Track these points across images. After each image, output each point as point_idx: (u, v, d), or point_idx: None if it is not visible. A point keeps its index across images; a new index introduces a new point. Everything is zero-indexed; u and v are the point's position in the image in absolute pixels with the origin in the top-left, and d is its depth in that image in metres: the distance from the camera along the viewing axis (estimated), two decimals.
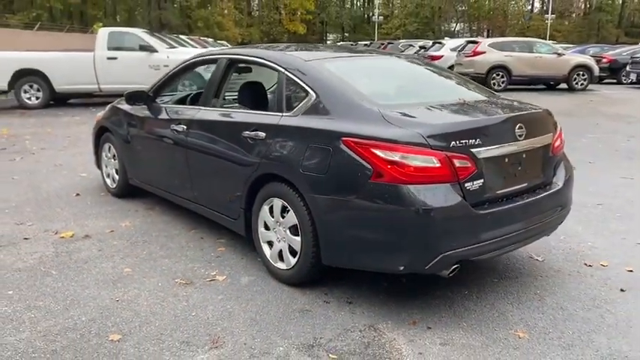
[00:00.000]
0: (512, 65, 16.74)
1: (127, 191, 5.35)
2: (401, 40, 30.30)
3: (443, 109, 3.26)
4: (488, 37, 47.85)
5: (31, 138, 9.03)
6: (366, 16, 66.72)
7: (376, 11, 57.56)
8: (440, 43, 20.94)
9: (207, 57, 4.53)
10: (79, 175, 6.44)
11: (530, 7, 65.07)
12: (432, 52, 19.87)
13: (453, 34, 57.88)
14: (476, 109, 3.34)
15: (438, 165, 2.84)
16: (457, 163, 2.88)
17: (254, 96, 3.99)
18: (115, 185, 5.48)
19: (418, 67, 4.24)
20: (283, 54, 3.86)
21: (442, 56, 19.21)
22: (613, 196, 5.62)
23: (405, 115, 3.05)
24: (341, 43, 54.57)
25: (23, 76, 12.73)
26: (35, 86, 12.87)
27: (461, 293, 3.43)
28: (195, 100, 4.79)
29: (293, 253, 3.40)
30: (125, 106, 5.09)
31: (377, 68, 3.99)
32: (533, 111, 3.47)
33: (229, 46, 45.29)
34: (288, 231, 3.40)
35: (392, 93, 3.63)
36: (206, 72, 5.23)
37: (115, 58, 12.97)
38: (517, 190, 3.23)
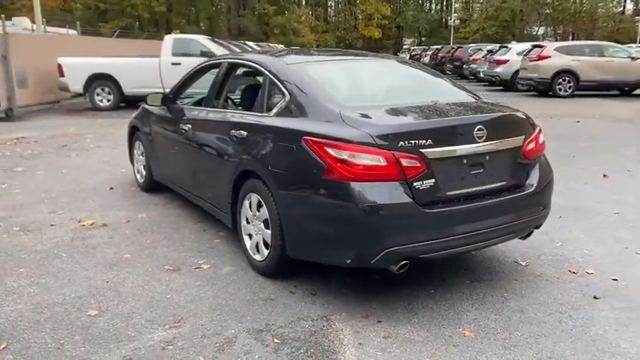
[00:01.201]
0: (580, 70, 16.00)
1: (152, 186, 5.77)
2: (471, 45, 29.65)
3: (404, 111, 3.34)
4: (573, 40, 45.61)
5: (92, 137, 9.80)
6: (443, 20, 65.62)
7: (453, 15, 56.46)
8: (506, 47, 20.34)
9: (214, 61, 4.84)
10: (120, 170, 6.97)
11: (621, 9, 61.38)
12: (497, 57, 19.37)
13: (535, 38, 55.71)
14: (439, 111, 3.39)
15: (384, 164, 2.95)
16: (405, 162, 2.97)
17: (247, 97, 4.24)
18: (142, 180, 5.92)
19: (405, 70, 4.34)
20: (270, 58, 4.09)
21: (508, 60, 18.69)
22: (636, 205, 5.38)
23: (362, 116, 3.18)
24: (415, 46, 54.08)
25: (96, 80, 13.78)
26: (107, 89, 13.89)
27: (426, 292, 3.50)
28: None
29: (266, 245, 3.61)
30: (150, 107, 5.51)
31: (359, 71, 4.13)
32: (500, 114, 3.47)
33: None
34: (262, 224, 3.62)
35: (363, 95, 3.75)
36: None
37: (179, 64, 13.68)
38: (478, 191, 3.26)
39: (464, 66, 25.04)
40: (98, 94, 13.86)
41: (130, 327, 3.08)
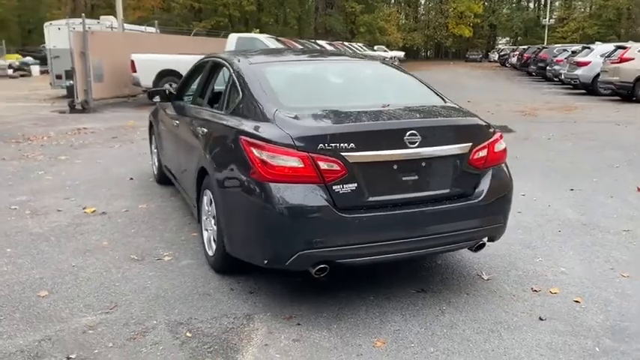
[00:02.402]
0: None
1: (164, 178, 6.03)
2: (556, 45, 28.02)
3: (337, 114, 3.27)
4: None
5: (144, 130, 10.34)
6: (540, 18, 62.47)
7: (547, 14, 53.59)
8: (589, 48, 19.03)
9: (206, 59, 4.97)
10: (148, 162, 7.33)
11: None
12: (578, 58, 18.19)
13: None
14: (375, 114, 3.30)
15: (301, 166, 2.92)
16: (324, 165, 2.93)
17: (218, 95, 4.32)
18: (156, 173, 6.21)
19: (376, 73, 4.24)
20: (238, 57, 4.14)
21: (589, 62, 17.49)
22: None
23: (294, 117, 3.17)
24: (507, 46, 51.93)
25: (165, 75, 14.51)
26: (174, 85, 14.57)
27: (364, 298, 3.42)
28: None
29: (215, 241, 3.69)
30: (160, 103, 5.76)
31: (323, 73, 4.09)
32: (441, 119, 3.32)
33: (386, 50, 45.69)
34: (213, 220, 3.70)
35: (310, 97, 3.69)
36: None
37: None
38: (413, 198, 3.15)
39: (547, 67, 23.75)
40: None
41: (67, 309, 3.28)
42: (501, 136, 3.50)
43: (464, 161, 3.26)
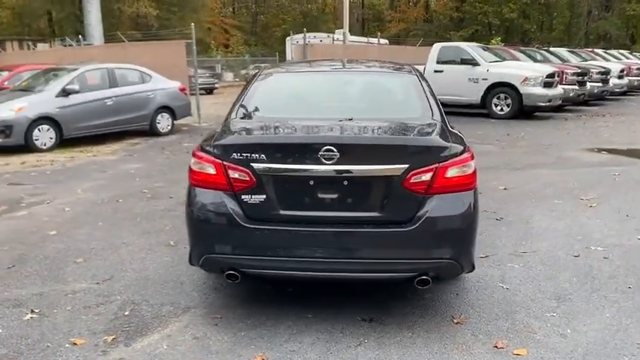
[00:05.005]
0: None
1: None
2: None
3: (274, 125, 3.28)
4: None
5: None
6: None
7: None
8: None
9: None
10: None
11: None
12: None
13: None
14: (304, 128, 3.21)
15: (214, 173, 3.04)
16: (234, 174, 2.99)
17: None
18: None
19: (372, 85, 3.98)
20: (275, 68, 4.42)
21: None
22: None
23: (239, 127, 3.30)
24: None
25: None
26: None
27: (301, 315, 3.31)
28: None
29: None
30: None
31: (316, 84, 4.01)
32: (371, 136, 3.00)
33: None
34: None
35: (279, 107, 3.67)
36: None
37: (441, 71, 13.91)
38: (332, 217, 2.97)
39: None
40: None
41: (71, 277, 3.99)
42: (465, 160, 3.00)
43: (398, 184, 2.93)
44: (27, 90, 10.11)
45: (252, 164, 2.97)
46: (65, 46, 22.26)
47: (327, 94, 3.88)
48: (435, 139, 3.05)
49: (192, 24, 13.17)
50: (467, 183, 3.01)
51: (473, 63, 13.45)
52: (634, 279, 3.82)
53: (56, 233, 4.88)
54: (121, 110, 10.64)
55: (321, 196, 2.98)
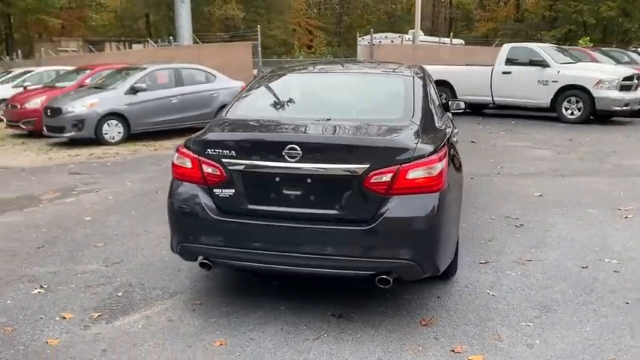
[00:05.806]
0: None
1: None
2: None
3: (254, 123, 3.45)
4: None
5: None
6: None
7: None
8: None
9: None
10: None
11: None
12: None
13: None
14: (269, 126, 3.38)
15: (190, 166, 3.25)
16: (207, 169, 3.18)
17: None
18: None
19: (369, 87, 4.01)
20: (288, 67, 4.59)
21: None
22: None
23: (218, 125, 3.49)
24: None
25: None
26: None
27: (275, 307, 3.44)
28: None
29: None
30: None
31: (312, 84, 4.13)
32: (334, 136, 3.06)
33: None
34: None
35: (271, 108, 3.82)
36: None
37: (509, 73, 13.44)
38: (295, 213, 3.08)
39: None
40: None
41: (86, 259, 4.35)
42: (431, 162, 2.99)
43: (359, 184, 2.98)
44: (100, 87, 10.94)
45: (222, 160, 3.14)
46: (155, 46, 23.69)
47: (316, 95, 3.99)
48: (398, 140, 3.07)
49: (259, 27, 13.64)
50: (431, 185, 3.00)
51: (543, 64, 12.84)
52: (636, 295, 3.60)
53: (90, 219, 5.33)
54: (186, 108, 11.21)
55: (286, 192, 3.10)
